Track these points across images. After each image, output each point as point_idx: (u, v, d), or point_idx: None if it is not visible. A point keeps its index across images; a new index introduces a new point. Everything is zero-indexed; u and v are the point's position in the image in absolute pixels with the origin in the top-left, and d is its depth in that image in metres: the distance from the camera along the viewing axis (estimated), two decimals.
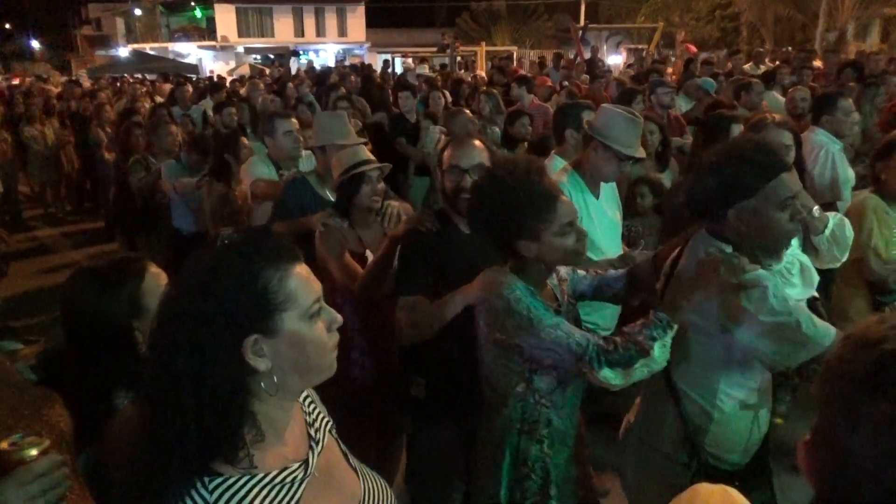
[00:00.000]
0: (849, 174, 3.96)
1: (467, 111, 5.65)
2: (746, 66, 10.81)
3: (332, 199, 3.20)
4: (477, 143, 2.55)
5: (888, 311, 3.24)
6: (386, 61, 18.13)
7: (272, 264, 1.13)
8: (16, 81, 21.30)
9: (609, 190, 3.34)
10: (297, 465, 1.17)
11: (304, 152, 4.26)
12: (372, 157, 2.97)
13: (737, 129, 3.49)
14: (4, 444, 1.20)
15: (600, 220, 3.18)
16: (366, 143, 3.52)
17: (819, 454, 0.77)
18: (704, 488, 0.99)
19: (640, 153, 3.10)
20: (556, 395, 2.04)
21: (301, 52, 33.22)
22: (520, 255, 2.00)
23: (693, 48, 16.02)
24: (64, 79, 20.92)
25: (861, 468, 0.70)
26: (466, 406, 2.34)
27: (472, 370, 2.20)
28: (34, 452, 1.19)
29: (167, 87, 13.17)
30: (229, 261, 1.11)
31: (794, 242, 2.60)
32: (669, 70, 12.26)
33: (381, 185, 2.90)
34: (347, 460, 1.35)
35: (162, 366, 1.08)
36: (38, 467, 1.20)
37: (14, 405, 1.37)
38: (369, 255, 2.81)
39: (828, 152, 3.97)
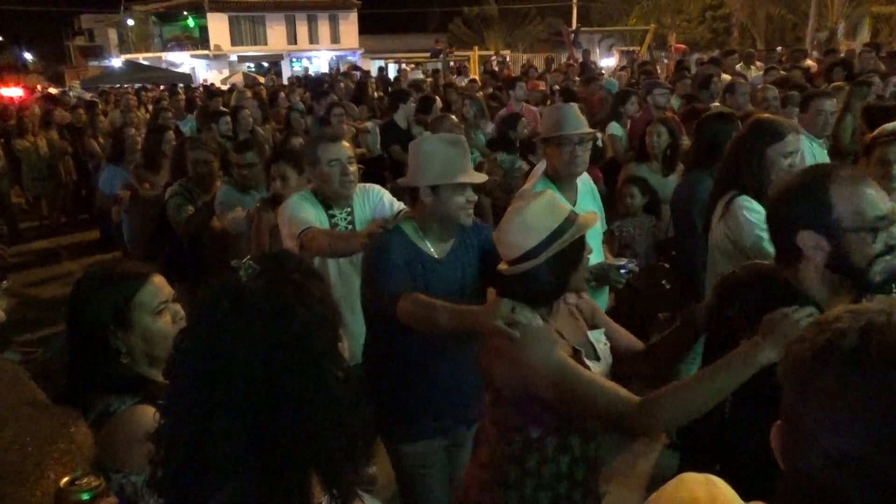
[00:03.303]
0: None
1: (453, 116, 5.59)
2: (738, 67, 10.85)
3: (436, 256, 2.47)
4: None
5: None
6: (381, 68, 18.18)
7: None
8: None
9: (588, 194, 3.27)
10: None
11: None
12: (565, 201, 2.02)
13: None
14: (65, 482, 1.22)
15: None
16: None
17: (783, 432, 0.82)
18: (690, 477, 1.02)
19: (587, 129, 3.08)
20: None
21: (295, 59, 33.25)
22: None
23: (681, 47, 16.08)
24: (56, 90, 20.88)
25: (809, 438, 0.75)
26: None
27: None
28: (89, 497, 1.21)
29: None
30: None
31: None
32: (660, 71, 12.32)
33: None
34: None
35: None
36: None
37: (36, 424, 1.38)
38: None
39: (806, 152, 4.04)
